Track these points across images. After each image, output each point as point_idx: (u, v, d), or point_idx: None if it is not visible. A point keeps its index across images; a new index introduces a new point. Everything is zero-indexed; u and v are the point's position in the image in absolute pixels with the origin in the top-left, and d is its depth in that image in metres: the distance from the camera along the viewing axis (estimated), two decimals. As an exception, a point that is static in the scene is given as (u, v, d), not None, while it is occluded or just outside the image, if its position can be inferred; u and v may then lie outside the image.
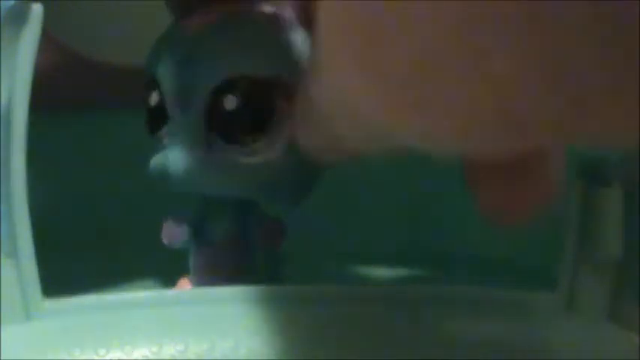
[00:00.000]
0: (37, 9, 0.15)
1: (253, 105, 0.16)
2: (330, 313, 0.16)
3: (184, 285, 0.18)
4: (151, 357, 0.15)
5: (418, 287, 0.18)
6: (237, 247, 0.18)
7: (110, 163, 0.28)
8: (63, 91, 0.29)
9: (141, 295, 0.16)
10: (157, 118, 0.17)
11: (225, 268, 0.18)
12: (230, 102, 0.15)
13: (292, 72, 0.16)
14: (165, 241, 0.18)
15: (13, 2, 0.15)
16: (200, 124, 0.16)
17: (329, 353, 0.15)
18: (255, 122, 0.16)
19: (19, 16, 0.15)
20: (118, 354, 0.15)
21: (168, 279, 0.20)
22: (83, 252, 0.26)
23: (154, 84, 0.16)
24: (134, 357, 0.15)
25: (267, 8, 0.16)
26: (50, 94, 0.21)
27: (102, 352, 0.15)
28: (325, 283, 0.17)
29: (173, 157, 0.16)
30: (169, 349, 0.15)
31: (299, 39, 0.16)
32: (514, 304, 0.18)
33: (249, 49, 0.16)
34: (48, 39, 0.19)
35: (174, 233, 0.18)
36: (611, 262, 0.19)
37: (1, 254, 0.15)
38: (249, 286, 0.16)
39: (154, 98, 0.16)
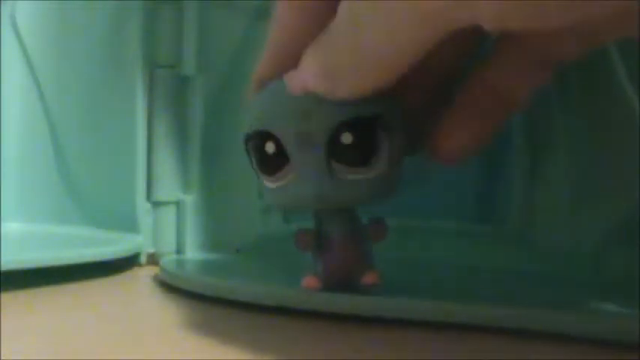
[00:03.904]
0: None
1: (363, 138, 0.20)
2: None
3: (310, 282, 0.22)
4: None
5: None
6: (351, 245, 0.22)
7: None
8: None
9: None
10: (273, 163, 0.21)
11: (346, 262, 0.22)
12: (346, 138, 0.20)
13: (387, 107, 0.21)
14: (298, 247, 0.23)
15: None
16: (323, 158, 0.20)
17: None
18: (365, 149, 0.21)
19: None
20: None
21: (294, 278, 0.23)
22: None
23: (268, 135, 0.21)
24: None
25: None
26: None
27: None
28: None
29: (303, 187, 0.21)
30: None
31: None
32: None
33: (356, 98, 0.20)
34: None
35: (305, 241, 0.22)
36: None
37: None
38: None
39: (270, 147, 0.21)
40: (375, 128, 0.21)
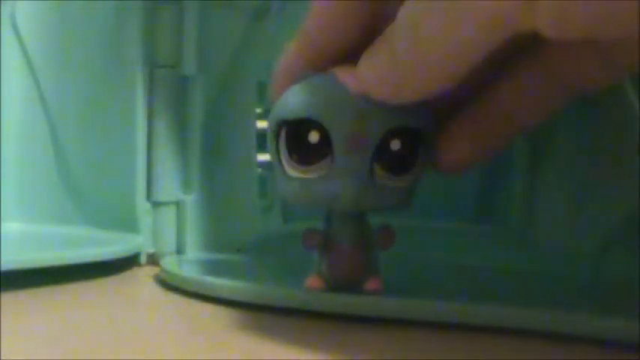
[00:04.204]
0: None
1: (407, 147, 0.21)
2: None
3: (313, 282, 0.23)
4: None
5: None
6: (359, 249, 0.22)
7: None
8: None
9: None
10: (312, 152, 0.21)
11: (351, 266, 0.22)
12: (395, 145, 0.21)
13: (428, 124, 0.21)
14: (304, 245, 0.23)
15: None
16: (368, 159, 0.21)
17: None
18: (409, 156, 0.21)
19: None
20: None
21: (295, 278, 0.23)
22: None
23: (313, 124, 0.21)
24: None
25: None
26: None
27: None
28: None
29: (340, 185, 0.21)
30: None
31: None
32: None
33: (405, 107, 0.20)
34: None
35: (313, 240, 0.23)
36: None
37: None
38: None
39: (314, 137, 0.21)
40: (419, 139, 0.21)
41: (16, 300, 0.24)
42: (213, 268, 0.28)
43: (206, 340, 0.21)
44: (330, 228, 0.23)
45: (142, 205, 0.31)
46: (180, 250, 0.31)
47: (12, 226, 0.34)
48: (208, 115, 0.31)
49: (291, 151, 0.21)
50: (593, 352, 0.19)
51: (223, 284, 0.24)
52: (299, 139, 0.21)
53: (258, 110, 0.33)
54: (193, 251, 0.31)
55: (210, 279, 0.25)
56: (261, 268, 0.30)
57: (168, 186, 0.31)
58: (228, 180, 0.32)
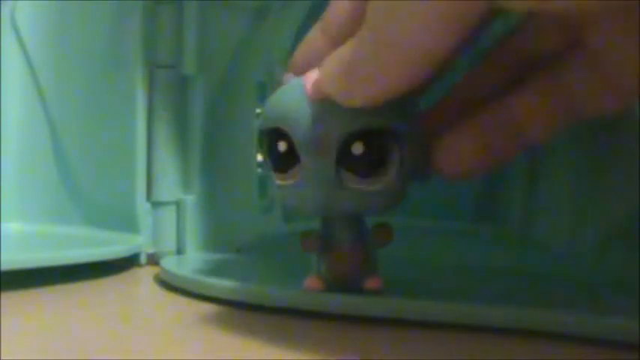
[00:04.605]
0: None
1: (373, 149, 0.20)
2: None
3: (312, 283, 0.23)
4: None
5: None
6: (356, 249, 0.22)
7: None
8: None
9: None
10: (284, 160, 0.21)
11: (350, 266, 0.22)
12: (357, 148, 0.20)
13: (400, 123, 0.21)
14: (302, 248, 0.23)
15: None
16: (333, 164, 0.20)
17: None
18: (375, 160, 0.21)
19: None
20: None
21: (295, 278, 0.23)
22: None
23: (281, 134, 0.21)
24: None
25: None
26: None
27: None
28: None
29: (310, 191, 0.21)
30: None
31: (404, 97, 0.20)
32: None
33: (372, 109, 0.20)
34: None
35: (310, 242, 0.23)
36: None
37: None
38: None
39: (282, 146, 0.21)
40: (386, 140, 0.21)
41: (16, 300, 0.24)
42: (213, 268, 0.28)
43: (206, 340, 0.21)
44: (328, 229, 0.23)
45: (142, 205, 0.31)
46: (180, 250, 0.31)
47: (12, 226, 0.34)
48: (208, 115, 0.31)
49: (270, 159, 0.22)
50: (593, 352, 0.19)
51: (223, 284, 0.24)
52: (275, 147, 0.21)
53: (258, 110, 0.33)
54: (193, 251, 0.31)
55: (210, 279, 0.25)
56: (261, 268, 0.30)
57: (168, 186, 0.31)
58: (228, 180, 0.32)
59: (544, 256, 0.28)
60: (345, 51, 0.19)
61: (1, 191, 0.34)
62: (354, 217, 0.23)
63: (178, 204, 0.31)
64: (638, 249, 0.25)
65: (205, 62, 0.31)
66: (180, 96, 0.31)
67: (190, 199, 0.31)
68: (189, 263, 0.30)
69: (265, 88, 0.33)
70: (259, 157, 0.32)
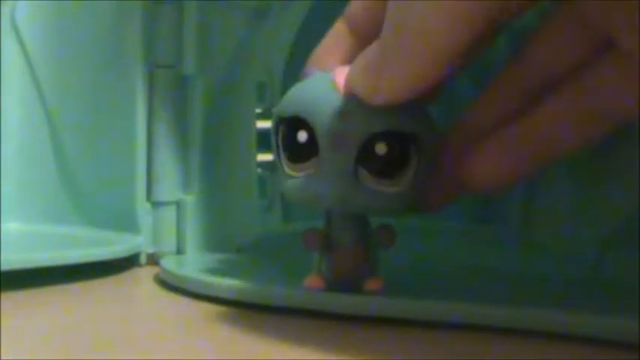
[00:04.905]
0: None
1: (394, 151, 0.21)
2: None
3: (313, 282, 0.22)
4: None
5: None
6: (359, 249, 0.22)
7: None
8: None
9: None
10: (301, 151, 0.21)
11: (352, 266, 0.22)
12: (381, 148, 0.20)
13: (423, 130, 0.21)
14: (305, 246, 0.23)
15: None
16: (352, 160, 0.20)
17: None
18: (394, 162, 0.21)
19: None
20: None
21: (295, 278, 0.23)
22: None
23: (302, 123, 0.21)
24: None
25: None
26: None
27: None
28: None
29: (326, 185, 0.21)
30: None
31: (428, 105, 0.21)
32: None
33: (395, 110, 0.20)
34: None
35: (313, 240, 0.22)
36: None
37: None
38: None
39: (302, 136, 0.21)
40: (407, 145, 0.21)
41: (16, 300, 0.24)
42: (213, 268, 0.28)
43: (206, 340, 0.21)
44: (331, 228, 0.23)
45: (142, 205, 0.31)
46: (180, 250, 0.31)
47: (12, 226, 0.34)
48: (208, 115, 0.31)
49: (285, 148, 0.22)
50: (593, 352, 0.19)
51: (223, 284, 0.24)
52: (293, 137, 0.21)
53: (258, 110, 0.33)
54: (193, 251, 0.31)
55: (210, 279, 0.25)
56: (261, 268, 0.30)
57: (168, 186, 0.31)
58: (228, 180, 0.32)
59: (544, 257, 0.28)
60: (371, 47, 0.20)
61: (1, 191, 0.34)
62: (359, 217, 0.23)
63: (178, 204, 0.31)
64: (638, 249, 0.25)
65: (205, 62, 0.31)
66: (180, 96, 0.31)
67: (190, 199, 0.31)
68: (189, 263, 0.30)
69: (265, 88, 0.33)
70: (259, 157, 0.32)
